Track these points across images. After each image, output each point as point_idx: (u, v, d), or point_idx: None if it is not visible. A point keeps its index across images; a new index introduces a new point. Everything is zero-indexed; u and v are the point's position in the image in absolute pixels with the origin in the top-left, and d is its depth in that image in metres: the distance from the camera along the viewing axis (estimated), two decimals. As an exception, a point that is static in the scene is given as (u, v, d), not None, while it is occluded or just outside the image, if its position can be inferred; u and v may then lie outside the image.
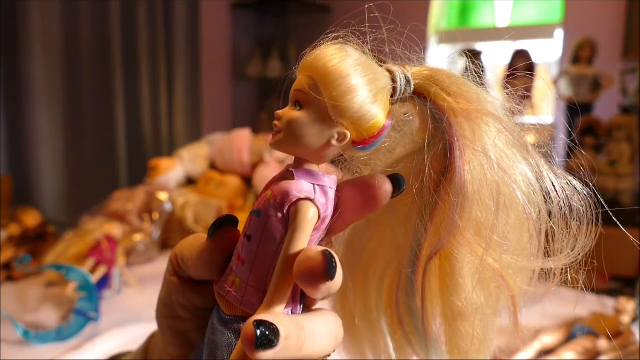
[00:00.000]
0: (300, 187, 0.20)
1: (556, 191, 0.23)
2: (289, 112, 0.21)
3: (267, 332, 0.18)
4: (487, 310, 0.25)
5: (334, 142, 0.21)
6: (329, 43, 0.22)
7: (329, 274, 0.19)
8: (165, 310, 0.26)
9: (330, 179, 0.22)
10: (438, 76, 0.23)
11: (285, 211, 0.20)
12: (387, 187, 0.22)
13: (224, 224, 0.23)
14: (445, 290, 0.24)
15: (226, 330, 0.21)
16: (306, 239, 0.20)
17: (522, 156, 0.23)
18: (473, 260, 0.23)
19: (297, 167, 0.21)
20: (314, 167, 0.22)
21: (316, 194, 0.21)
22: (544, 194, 0.23)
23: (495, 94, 0.24)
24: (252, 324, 0.18)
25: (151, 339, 0.31)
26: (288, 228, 0.20)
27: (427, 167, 0.22)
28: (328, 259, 0.19)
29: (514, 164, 0.22)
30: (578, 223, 0.23)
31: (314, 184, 0.21)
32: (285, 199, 0.20)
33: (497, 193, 0.22)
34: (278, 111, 0.21)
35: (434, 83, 0.22)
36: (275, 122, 0.21)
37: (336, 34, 0.22)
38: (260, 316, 0.18)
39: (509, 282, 0.24)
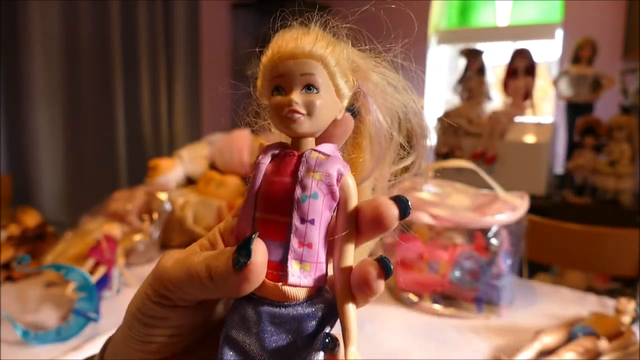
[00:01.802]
0: (341, 162, 0.23)
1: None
2: (308, 96, 0.23)
3: (389, 262, 0.22)
4: None
5: (339, 116, 0.24)
6: (306, 27, 0.24)
7: (402, 215, 0.22)
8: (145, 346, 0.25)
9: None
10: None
11: (336, 186, 0.23)
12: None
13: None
14: None
15: (307, 309, 0.22)
16: (356, 202, 0.23)
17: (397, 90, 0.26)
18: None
19: (319, 146, 0.24)
20: (330, 145, 0.24)
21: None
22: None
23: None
24: (379, 261, 0.21)
25: (103, 352, 0.28)
26: (340, 200, 0.23)
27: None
28: (399, 200, 0.22)
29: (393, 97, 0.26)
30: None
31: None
32: (336, 177, 0.23)
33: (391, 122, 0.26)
34: (293, 97, 0.22)
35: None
36: (296, 108, 0.22)
37: (301, 20, 0.24)
38: (373, 258, 0.22)
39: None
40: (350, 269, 0.22)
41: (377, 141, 0.25)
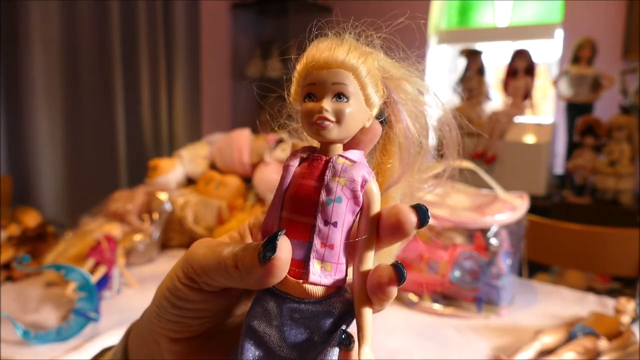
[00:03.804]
0: (366, 169, 0.24)
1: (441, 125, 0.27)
2: (338, 105, 0.23)
3: (404, 268, 0.22)
4: None
5: (367, 124, 0.24)
6: (340, 38, 0.24)
7: (421, 223, 0.23)
8: (177, 326, 0.26)
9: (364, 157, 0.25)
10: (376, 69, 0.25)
11: (361, 192, 0.23)
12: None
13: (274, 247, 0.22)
14: None
15: (326, 307, 0.23)
16: (379, 208, 0.24)
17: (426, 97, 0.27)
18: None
19: (346, 152, 0.24)
20: (357, 151, 0.25)
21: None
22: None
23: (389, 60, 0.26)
24: (393, 267, 0.22)
25: (128, 336, 0.30)
26: (363, 205, 0.23)
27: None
28: (419, 209, 0.23)
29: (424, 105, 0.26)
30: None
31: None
32: (361, 182, 0.23)
33: (420, 129, 0.26)
34: (324, 105, 0.23)
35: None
36: (325, 115, 0.23)
37: (336, 30, 0.25)
38: (391, 264, 0.22)
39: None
40: (368, 272, 0.23)
41: (406, 148, 0.26)
